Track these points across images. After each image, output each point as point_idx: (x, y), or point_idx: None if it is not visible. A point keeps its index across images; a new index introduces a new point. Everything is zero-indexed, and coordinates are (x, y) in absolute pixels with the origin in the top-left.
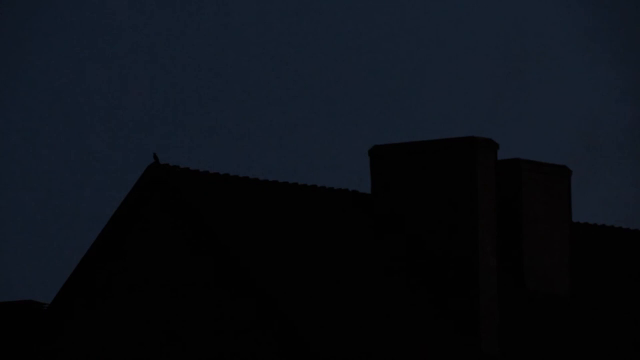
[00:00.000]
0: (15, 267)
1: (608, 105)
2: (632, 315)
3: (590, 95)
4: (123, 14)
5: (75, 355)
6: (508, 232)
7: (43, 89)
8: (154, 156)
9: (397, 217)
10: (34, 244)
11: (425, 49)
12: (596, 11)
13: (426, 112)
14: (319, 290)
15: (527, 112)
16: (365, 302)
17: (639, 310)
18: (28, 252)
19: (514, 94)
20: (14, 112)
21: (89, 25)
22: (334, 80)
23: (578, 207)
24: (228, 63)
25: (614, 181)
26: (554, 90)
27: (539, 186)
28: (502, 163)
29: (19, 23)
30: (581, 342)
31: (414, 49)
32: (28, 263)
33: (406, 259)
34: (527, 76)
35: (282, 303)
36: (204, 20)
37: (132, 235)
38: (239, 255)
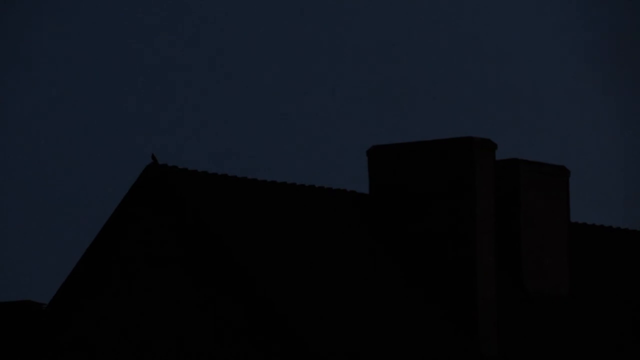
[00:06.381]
0: (14, 267)
1: (603, 103)
2: (631, 315)
3: (587, 95)
4: (123, 14)
5: (74, 356)
6: (507, 232)
7: (43, 89)
8: (152, 156)
9: (396, 217)
10: (33, 244)
11: (424, 49)
12: (590, 12)
13: (425, 112)
14: (318, 290)
15: (526, 112)
16: (365, 302)
17: (639, 310)
18: (27, 252)
19: (513, 94)
20: (14, 112)
21: (89, 25)
22: (333, 80)
23: (577, 207)
24: (228, 63)
25: (614, 181)
26: (550, 90)
27: (538, 186)
28: (500, 163)
29: (19, 22)
30: (580, 342)
31: (413, 49)
32: (27, 263)
33: (405, 259)
34: (524, 76)
35: (281, 303)
36: (204, 20)
37: (130, 236)
38: (238, 255)
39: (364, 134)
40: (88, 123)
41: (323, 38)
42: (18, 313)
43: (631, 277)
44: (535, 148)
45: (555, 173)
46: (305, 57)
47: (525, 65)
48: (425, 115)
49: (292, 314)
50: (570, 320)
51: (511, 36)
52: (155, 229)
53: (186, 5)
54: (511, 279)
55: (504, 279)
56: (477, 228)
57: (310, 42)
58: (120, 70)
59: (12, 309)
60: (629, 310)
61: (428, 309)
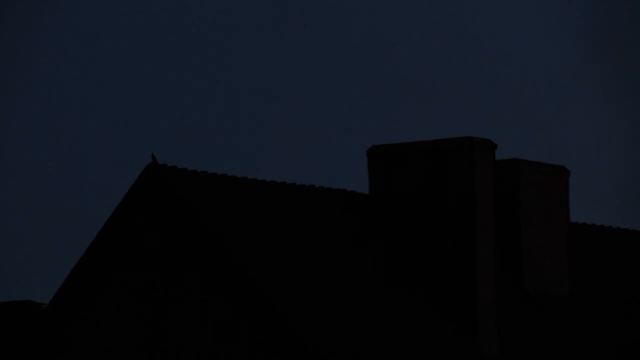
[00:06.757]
0: (14, 267)
1: (603, 104)
2: (631, 315)
3: (587, 95)
4: (123, 14)
5: (74, 356)
6: (507, 233)
7: (43, 89)
8: (152, 156)
9: (396, 217)
10: (33, 244)
11: (424, 49)
12: (589, 13)
13: (425, 112)
14: (318, 290)
15: (526, 112)
16: (364, 302)
17: (639, 310)
18: (27, 252)
19: (513, 94)
20: (14, 112)
21: (89, 25)
22: (333, 80)
23: (577, 207)
24: (228, 63)
25: (614, 181)
26: (550, 90)
27: (538, 186)
28: (500, 163)
29: (19, 22)
30: (580, 342)
31: (413, 49)
32: (27, 263)
33: (404, 259)
34: (524, 76)
35: (281, 303)
36: (204, 20)
37: (130, 236)
38: (237, 256)
39: (364, 134)
40: (88, 123)
41: (323, 38)
42: (18, 313)
43: (631, 277)
44: (535, 148)
45: (555, 173)
46: (305, 57)
47: (525, 65)
48: (425, 115)
49: (292, 314)
50: (570, 320)
51: (511, 36)
52: (155, 228)
53: (186, 5)
54: (511, 279)
55: (504, 279)
56: (477, 228)
57: (310, 42)
58: (120, 70)
59: (12, 309)
60: (629, 310)
61: (428, 308)
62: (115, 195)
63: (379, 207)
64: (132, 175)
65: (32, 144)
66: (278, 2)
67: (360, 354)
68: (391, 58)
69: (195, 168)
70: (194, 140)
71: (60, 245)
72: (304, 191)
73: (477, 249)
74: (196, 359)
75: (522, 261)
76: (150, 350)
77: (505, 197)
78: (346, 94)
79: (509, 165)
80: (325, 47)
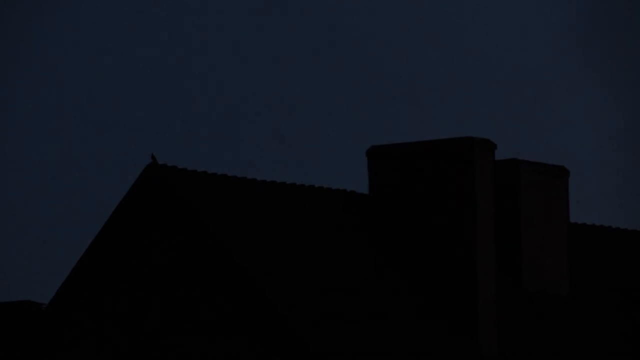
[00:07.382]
0: (14, 267)
1: (603, 104)
2: (631, 315)
3: (588, 95)
4: (123, 14)
5: (74, 356)
6: (506, 233)
7: (43, 89)
8: (152, 156)
9: (395, 217)
10: (33, 244)
11: (424, 49)
12: (589, 12)
13: (425, 112)
14: (317, 290)
15: (526, 112)
16: (364, 302)
17: (638, 310)
18: (27, 252)
19: (513, 94)
20: (14, 113)
21: (89, 25)
22: (332, 81)
23: (577, 207)
24: (227, 63)
25: (614, 181)
26: (550, 90)
27: (538, 186)
28: (500, 163)
29: (20, 22)
30: (580, 342)
31: (412, 49)
32: (27, 263)
33: (404, 259)
34: (524, 75)
35: (281, 303)
36: (203, 19)
37: (130, 235)
38: (237, 256)
39: (364, 134)
40: (88, 123)
41: (323, 38)
42: (18, 313)
43: (631, 277)
44: (535, 148)
45: (555, 173)
46: (305, 56)
47: (525, 65)
48: (425, 115)
49: (292, 314)
50: (570, 320)
51: (511, 36)
52: (155, 229)
53: (186, 5)
54: (511, 279)
55: (504, 279)
56: (477, 228)
57: (310, 41)
58: (120, 70)
59: (12, 309)
60: (629, 310)
61: (428, 308)
62: (115, 195)
63: (378, 207)
64: (132, 175)
65: (32, 144)
66: (278, 2)
67: (360, 354)
68: (391, 58)
69: (195, 168)
70: (194, 140)
71: (60, 245)
72: (304, 191)
73: (477, 249)
74: (196, 359)
75: (522, 261)
76: (149, 350)
77: (505, 197)
78: (346, 94)
79: (509, 165)
80: (325, 46)
